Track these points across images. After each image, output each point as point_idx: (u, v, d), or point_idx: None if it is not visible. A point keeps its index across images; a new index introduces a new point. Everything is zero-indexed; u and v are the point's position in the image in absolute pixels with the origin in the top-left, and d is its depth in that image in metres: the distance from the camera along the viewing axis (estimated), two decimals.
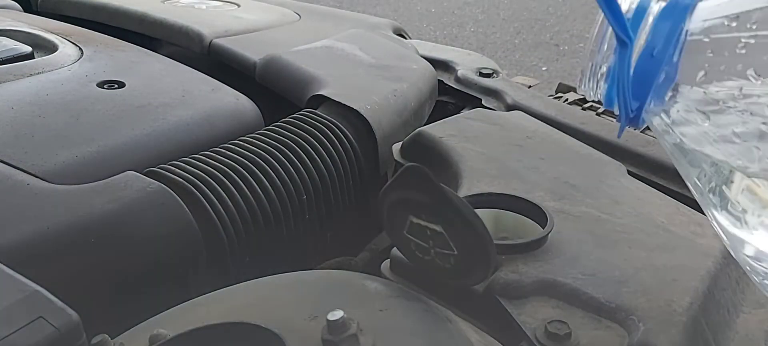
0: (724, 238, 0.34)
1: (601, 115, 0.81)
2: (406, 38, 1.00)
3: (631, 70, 0.32)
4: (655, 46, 0.32)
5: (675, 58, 0.32)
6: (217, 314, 0.36)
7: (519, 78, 1.03)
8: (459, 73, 0.85)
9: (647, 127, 0.36)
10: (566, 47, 3.12)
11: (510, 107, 0.77)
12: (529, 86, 0.89)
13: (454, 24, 3.50)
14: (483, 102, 0.81)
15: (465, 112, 0.73)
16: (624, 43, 0.32)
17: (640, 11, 0.33)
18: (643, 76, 0.32)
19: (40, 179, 0.48)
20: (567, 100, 0.91)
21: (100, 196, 0.47)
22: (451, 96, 0.86)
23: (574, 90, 0.96)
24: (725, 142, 0.31)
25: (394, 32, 0.99)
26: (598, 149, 0.63)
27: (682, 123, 0.33)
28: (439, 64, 0.88)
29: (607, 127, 0.71)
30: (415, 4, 3.82)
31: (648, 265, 0.44)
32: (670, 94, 0.33)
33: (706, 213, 0.34)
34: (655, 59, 0.32)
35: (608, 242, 0.46)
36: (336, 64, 0.77)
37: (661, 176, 0.63)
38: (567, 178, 0.55)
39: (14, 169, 0.49)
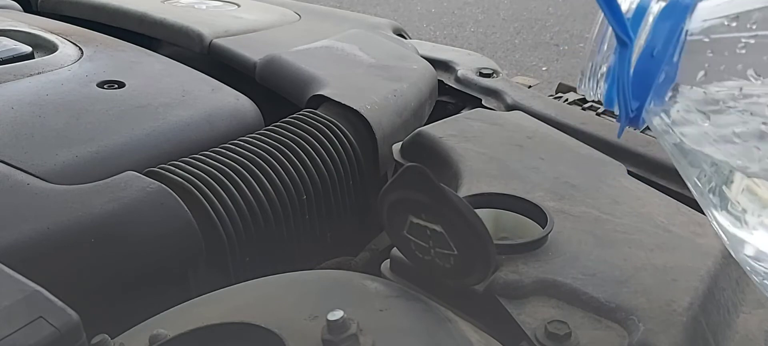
0: (724, 238, 0.34)
1: (601, 116, 0.81)
2: (406, 38, 1.00)
3: (631, 70, 0.32)
4: (655, 46, 0.32)
5: (675, 58, 0.32)
6: (217, 314, 0.36)
7: (519, 78, 1.03)
8: (459, 73, 0.85)
9: (647, 127, 0.36)
10: (566, 47, 3.12)
11: (510, 107, 0.77)
12: (529, 86, 0.89)
13: (454, 24, 3.50)
14: (483, 102, 0.81)
15: (465, 112, 0.73)
16: (624, 43, 0.32)
17: (640, 11, 0.33)
18: (643, 76, 0.32)
19: (40, 178, 0.48)
20: (567, 100, 0.91)
21: (100, 196, 0.47)
22: (451, 96, 0.86)
23: (574, 90, 0.96)
24: (725, 142, 0.31)
25: (394, 32, 0.99)
26: (598, 149, 0.63)
27: (682, 123, 0.33)
28: (439, 64, 0.88)
29: (607, 127, 0.71)
30: (415, 4, 3.82)
31: (648, 265, 0.44)
32: (670, 94, 0.33)
33: (706, 213, 0.34)
34: (655, 59, 0.32)
35: (608, 242, 0.46)
36: (336, 64, 0.77)
37: (661, 175, 0.63)
38: (567, 178, 0.55)
39: (14, 169, 0.49)
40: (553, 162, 0.58)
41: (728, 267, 0.45)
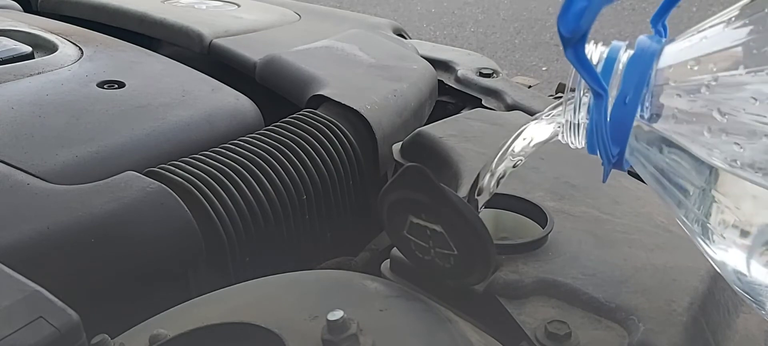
0: (716, 267, 0.35)
1: None
2: (406, 38, 1.00)
3: (608, 119, 0.34)
4: (627, 94, 0.33)
5: (646, 103, 0.33)
6: (217, 314, 0.36)
7: (519, 78, 1.03)
8: (459, 73, 0.85)
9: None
10: None
11: (510, 107, 0.77)
12: (529, 86, 0.89)
13: (454, 24, 3.50)
14: (483, 102, 0.81)
15: (465, 112, 0.73)
16: (598, 94, 0.33)
17: (610, 62, 0.34)
18: (619, 122, 0.34)
19: (40, 179, 0.48)
20: None
21: (100, 196, 0.47)
22: (451, 96, 0.86)
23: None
24: (700, 179, 0.32)
25: (394, 32, 0.99)
26: None
27: (659, 163, 0.34)
28: (439, 64, 0.88)
29: None
30: (415, 4, 3.82)
31: (648, 265, 0.44)
32: (646, 136, 0.34)
33: (694, 242, 0.35)
34: (628, 106, 0.33)
35: (608, 242, 0.46)
36: (336, 64, 0.77)
37: None
38: (567, 178, 0.55)
39: (14, 169, 0.49)
40: (553, 162, 0.58)
41: None
